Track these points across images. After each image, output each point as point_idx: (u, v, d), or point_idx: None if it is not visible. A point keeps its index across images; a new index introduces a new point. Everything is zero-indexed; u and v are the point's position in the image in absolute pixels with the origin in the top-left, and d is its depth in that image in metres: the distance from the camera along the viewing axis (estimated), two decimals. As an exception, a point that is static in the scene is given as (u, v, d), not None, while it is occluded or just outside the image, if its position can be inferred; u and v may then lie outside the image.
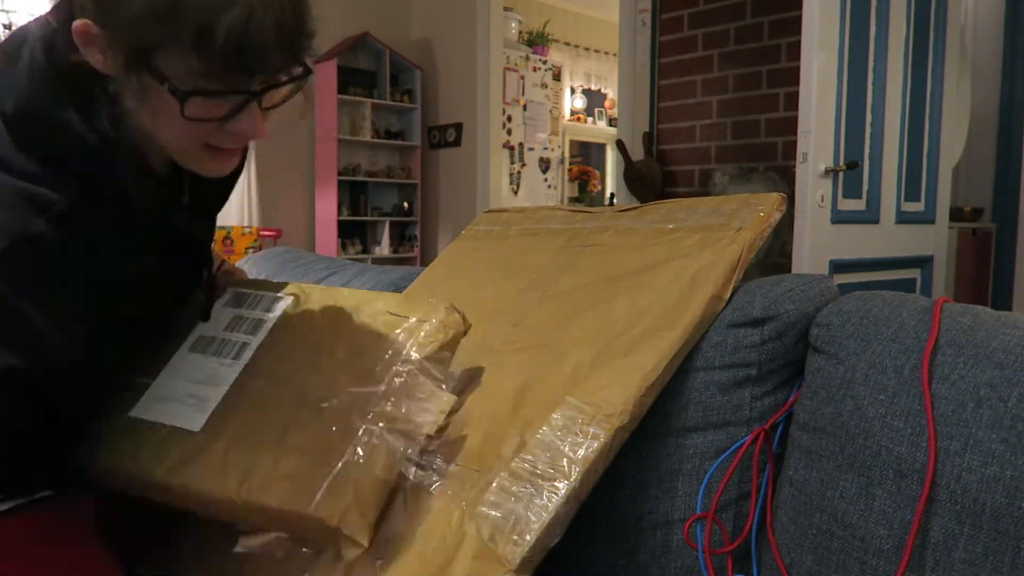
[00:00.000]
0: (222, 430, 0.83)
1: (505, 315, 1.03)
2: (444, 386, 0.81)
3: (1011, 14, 3.43)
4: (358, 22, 4.69)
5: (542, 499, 0.75)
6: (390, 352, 0.82)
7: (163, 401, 0.88)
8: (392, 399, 0.78)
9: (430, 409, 0.79)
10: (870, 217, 2.42)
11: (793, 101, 2.98)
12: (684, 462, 0.89)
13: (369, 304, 0.90)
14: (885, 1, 2.34)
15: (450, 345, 0.85)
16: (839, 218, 2.29)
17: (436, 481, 0.77)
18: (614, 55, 6.24)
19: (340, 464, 0.75)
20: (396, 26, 4.89)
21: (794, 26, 2.87)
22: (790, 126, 3.04)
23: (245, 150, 0.84)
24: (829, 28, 2.18)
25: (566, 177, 6.18)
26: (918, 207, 2.60)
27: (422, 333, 0.84)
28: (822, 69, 2.17)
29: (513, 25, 5.53)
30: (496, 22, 4.49)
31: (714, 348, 0.89)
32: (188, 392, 0.87)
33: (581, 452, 0.77)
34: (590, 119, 6.50)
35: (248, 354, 0.89)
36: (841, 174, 2.26)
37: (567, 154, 6.21)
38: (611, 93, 6.59)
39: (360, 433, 0.77)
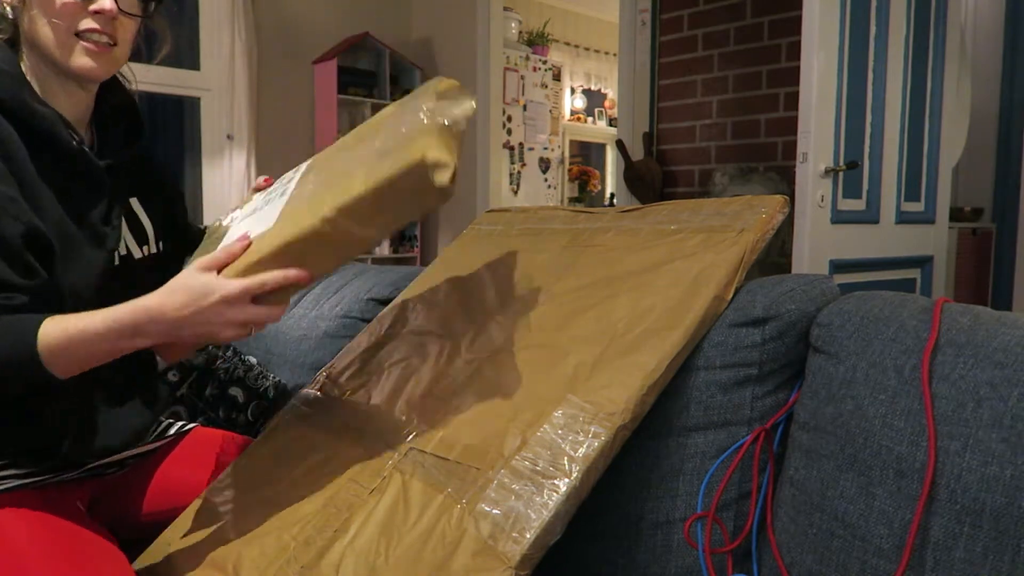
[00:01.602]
0: (295, 208, 0.87)
1: (507, 314, 1.03)
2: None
3: (1011, 14, 3.43)
4: (358, 22, 4.68)
5: (542, 497, 0.75)
6: (414, 106, 0.89)
7: (230, 237, 0.92)
8: (429, 109, 0.85)
9: (461, 105, 0.88)
10: (870, 217, 2.42)
11: (793, 101, 2.98)
12: (685, 461, 0.89)
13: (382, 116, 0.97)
14: (885, 1, 2.34)
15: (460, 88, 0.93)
16: (839, 218, 2.29)
17: None
18: (614, 55, 6.24)
19: (404, 139, 0.83)
20: (396, 26, 4.89)
21: (794, 26, 2.87)
22: (790, 126, 3.04)
23: (114, 61, 0.94)
24: (829, 28, 2.18)
25: (566, 177, 6.17)
26: (918, 207, 2.60)
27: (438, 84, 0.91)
28: (822, 69, 2.17)
29: (513, 25, 5.52)
30: (496, 22, 4.49)
31: (715, 348, 0.90)
32: (248, 226, 0.92)
33: (582, 451, 0.77)
34: (590, 119, 6.50)
35: (292, 185, 0.94)
36: (841, 174, 2.26)
37: (567, 154, 6.20)
38: (611, 93, 6.58)
39: (414, 127, 0.84)
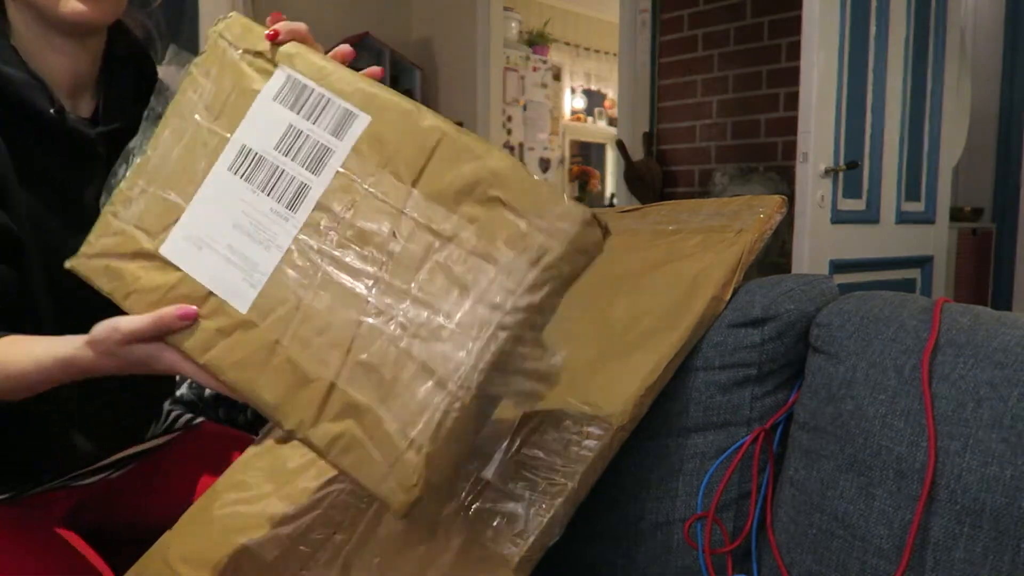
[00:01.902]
0: (272, 314, 0.66)
1: (505, 315, 1.03)
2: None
3: (1011, 14, 3.43)
4: (358, 22, 4.68)
5: (541, 499, 0.75)
6: (487, 287, 0.61)
7: (201, 247, 0.69)
8: (478, 353, 0.59)
9: (534, 385, 0.63)
10: (870, 217, 2.42)
11: (793, 101, 2.98)
12: (684, 462, 0.89)
13: (469, 156, 0.63)
14: (885, 1, 2.34)
15: (567, 281, 0.62)
16: (839, 218, 2.29)
17: None
18: (614, 55, 6.23)
19: (414, 439, 0.59)
20: (396, 26, 4.89)
21: (794, 26, 2.86)
22: (790, 126, 3.03)
23: (110, 3, 0.82)
24: (829, 28, 2.18)
25: (566, 177, 6.17)
26: (918, 207, 2.60)
27: (538, 266, 0.61)
28: (822, 69, 2.17)
29: (513, 25, 5.52)
30: (496, 22, 4.49)
31: (714, 348, 0.89)
32: (232, 244, 0.68)
33: (580, 452, 0.77)
34: (590, 119, 6.50)
35: (308, 207, 0.67)
36: (841, 174, 2.26)
37: (567, 154, 6.20)
38: (611, 93, 6.58)
39: (439, 400, 0.59)
